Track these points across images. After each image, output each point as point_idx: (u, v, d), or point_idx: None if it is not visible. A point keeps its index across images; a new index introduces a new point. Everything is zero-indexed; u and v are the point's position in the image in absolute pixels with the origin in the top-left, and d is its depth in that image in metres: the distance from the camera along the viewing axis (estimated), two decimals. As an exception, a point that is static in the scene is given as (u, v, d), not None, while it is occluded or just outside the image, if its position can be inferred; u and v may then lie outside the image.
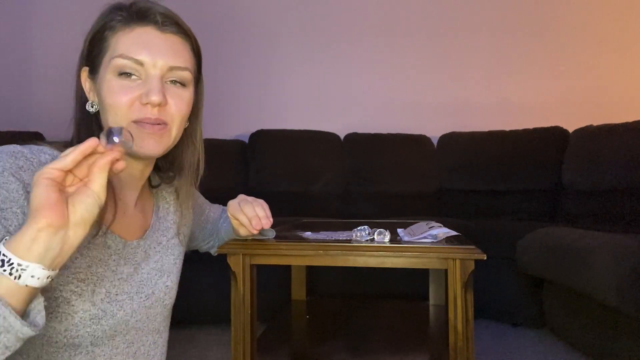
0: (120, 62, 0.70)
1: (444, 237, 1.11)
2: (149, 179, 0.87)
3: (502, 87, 3.20)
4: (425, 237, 1.11)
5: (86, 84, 0.75)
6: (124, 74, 0.70)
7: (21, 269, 0.51)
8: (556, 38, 3.16)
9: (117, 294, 0.75)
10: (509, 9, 3.20)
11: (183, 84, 0.75)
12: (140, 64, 0.70)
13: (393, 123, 3.17)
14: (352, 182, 3.00)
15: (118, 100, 0.70)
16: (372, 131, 3.07)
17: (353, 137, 3.06)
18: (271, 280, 2.00)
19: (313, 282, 2.28)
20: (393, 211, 2.76)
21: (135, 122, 0.71)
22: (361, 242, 1.07)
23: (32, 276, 0.52)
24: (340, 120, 3.23)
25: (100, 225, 0.72)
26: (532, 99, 3.16)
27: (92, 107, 0.74)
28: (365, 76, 3.29)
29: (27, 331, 0.51)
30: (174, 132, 0.75)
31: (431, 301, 1.73)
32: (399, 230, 1.26)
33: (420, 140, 3.03)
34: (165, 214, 0.90)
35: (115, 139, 0.59)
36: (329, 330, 1.42)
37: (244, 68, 3.32)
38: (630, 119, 2.57)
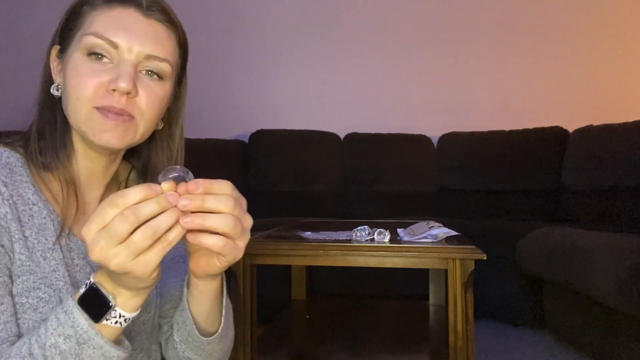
0: (92, 40, 0.62)
1: (444, 237, 1.11)
2: (124, 179, 0.78)
3: (502, 87, 3.19)
4: (425, 237, 1.11)
5: (54, 63, 0.68)
6: (94, 55, 0.62)
7: (127, 319, 0.56)
8: (556, 38, 3.16)
9: None
10: (509, 10, 3.20)
11: (160, 77, 0.66)
12: (115, 46, 0.62)
13: (393, 123, 3.17)
14: (352, 182, 3.00)
15: (82, 83, 0.62)
16: (372, 131, 3.07)
17: (353, 137, 3.06)
18: (271, 280, 2.00)
19: (313, 282, 2.28)
20: (393, 211, 2.76)
21: (98, 108, 0.62)
22: (361, 242, 1.07)
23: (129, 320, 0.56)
24: (340, 120, 3.23)
25: (63, 226, 0.66)
26: (532, 99, 3.16)
27: (57, 90, 0.66)
28: (365, 76, 3.29)
29: (122, 354, 0.56)
30: (141, 128, 0.65)
31: (431, 301, 1.74)
32: (399, 230, 1.26)
33: (420, 140, 3.03)
34: None
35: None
36: (329, 330, 1.42)
37: (244, 68, 3.31)
38: (630, 119, 2.57)
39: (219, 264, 0.57)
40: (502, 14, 3.21)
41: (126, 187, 0.75)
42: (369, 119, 3.23)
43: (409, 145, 3.02)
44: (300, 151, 2.99)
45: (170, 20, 0.67)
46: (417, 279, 2.15)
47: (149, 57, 0.64)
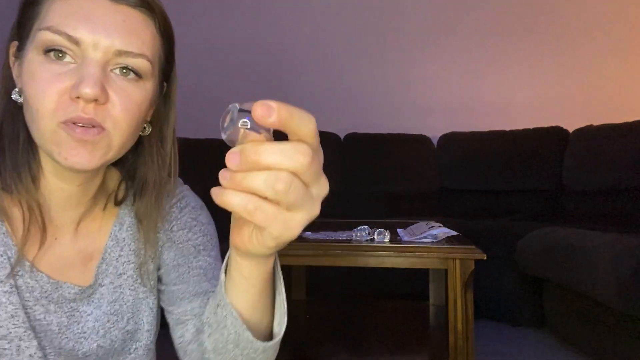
0: (47, 36, 0.50)
1: (444, 237, 1.12)
2: (114, 193, 0.65)
3: (502, 87, 3.19)
4: (425, 237, 1.11)
5: (13, 63, 0.56)
6: (53, 52, 0.50)
7: None
8: (556, 38, 3.16)
9: (44, 350, 0.57)
10: (509, 9, 3.20)
11: (138, 75, 0.53)
12: (76, 42, 0.50)
13: (393, 123, 3.17)
14: (352, 182, 3.00)
15: (41, 92, 0.49)
16: (372, 131, 3.07)
17: (353, 137, 3.06)
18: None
19: (313, 282, 2.28)
20: (393, 211, 2.76)
21: (65, 123, 0.50)
22: (361, 242, 1.07)
23: None
24: (340, 120, 3.23)
25: (19, 260, 0.55)
26: (532, 99, 3.16)
27: (19, 96, 0.54)
28: (365, 76, 3.29)
29: None
30: (117, 140, 0.53)
31: (431, 301, 1.74)
32: (399, 230, 1.26)
33: (420, 140, 3.03)
34: (128, 241, 0.65)
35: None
36: (329, 330, 1.42)
37: (243, 67, 3.31)
38: (630, 119, 2.57)
39: (263, 242, 0.38)
40: (503, 15, 3.20)
41: (116, 198, 0.64)
42: (369, 119, 3.23)
43: (409, 145, 3.02)
44: (300, 151, 2.99)
45: (146, 4, 0.54)
46: (417, 279, 2.16)
47: (120, 52, 0.51)
